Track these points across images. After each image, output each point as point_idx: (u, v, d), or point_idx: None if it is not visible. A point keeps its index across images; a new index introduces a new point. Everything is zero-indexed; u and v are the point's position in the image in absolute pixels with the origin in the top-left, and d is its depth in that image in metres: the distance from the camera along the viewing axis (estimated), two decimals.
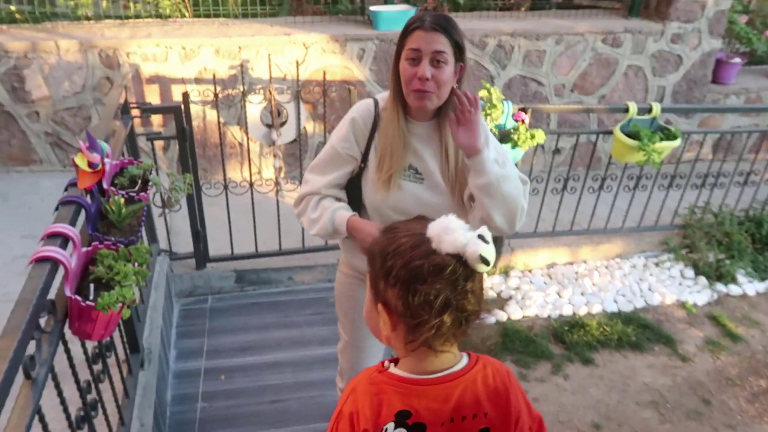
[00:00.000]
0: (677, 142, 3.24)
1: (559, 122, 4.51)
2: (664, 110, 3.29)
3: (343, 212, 1.60)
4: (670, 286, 3.55)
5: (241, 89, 3.08)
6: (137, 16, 4.10)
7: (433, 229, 0.92)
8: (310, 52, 3.87)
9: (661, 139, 3.20)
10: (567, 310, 3.31)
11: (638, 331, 3.17)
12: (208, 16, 4.19)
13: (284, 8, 4.53)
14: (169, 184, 2.08)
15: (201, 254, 3.16)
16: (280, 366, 2.75)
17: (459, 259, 0.90)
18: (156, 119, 3.88)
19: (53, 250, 1.33)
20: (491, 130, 2.71)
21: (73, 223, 1.49)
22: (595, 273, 3.62)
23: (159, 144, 3.89)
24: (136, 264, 1.55)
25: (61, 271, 1.36)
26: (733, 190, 3.87)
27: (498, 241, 3.68)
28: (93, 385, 1.58)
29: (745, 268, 3.67)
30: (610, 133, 3.36)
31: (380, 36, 3.94)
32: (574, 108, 3.81)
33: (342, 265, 1.88)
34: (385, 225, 1.43)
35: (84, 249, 1.49)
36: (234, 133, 4.02)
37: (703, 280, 3.60)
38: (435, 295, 0.89)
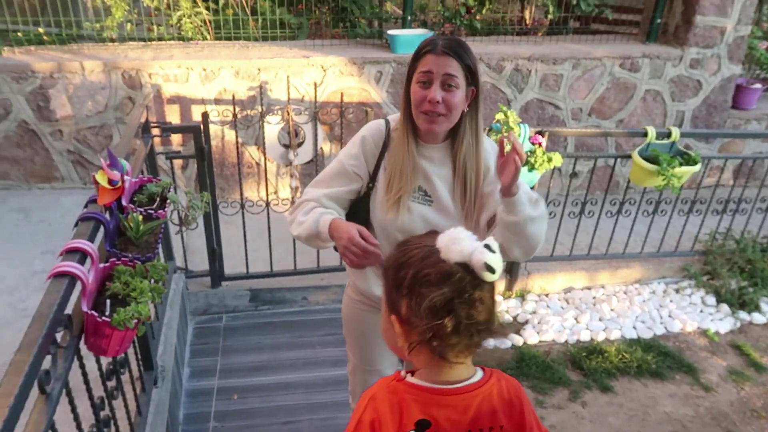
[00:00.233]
0: (697, 167, 3.20)
1: (577, 146, 4.49)
2: (683, 135, 3.26)
3: (330, 216, 1.55)
4: (691, 313, 3.47)
5: (260, 110, 3.12)
6: (160, 39, 4.19)
7: (442, 240, 0.95)
8: (328, 74, 3.92)
9: (681, 164, 3.17)
10: (585, 336, 3.25)
11: (659, 358, 3.10)
12: (229, 38, 4.27)
13: (303, 32, 4.61)
14: (187, 202, 2.10)
15: (216, 272, 3.17)
16: (293, 387, 2.73)
17: (466, 267, 0.92)
18: (176, 138, 3.94)
19: (71, 266, 1.34)
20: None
21: (92, 239, 1.50)
22: (613, 298, 3.55)
23: (178, 163, 3.94)
24: (152, 281, 1.55)
25: (78, 287, 1.37)
26: (755, 216, 3.80)
27: (514, 265, 3.65)
28: (106, 402, 1.57)
29: None
30: (628, 157, 3.33)
31: (397, 59, 3.98)
32: (592, 132, 3.80)
33: (348, 288, 1.87)
34: (392, 239, 1.42)
35: (102, 265, 1.50)
36: (251, 153, 4.06)
37: (725, 307, 3.52)
38: (441, 299, 0.91)
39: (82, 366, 1.44)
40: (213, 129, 3.72)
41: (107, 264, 1.53)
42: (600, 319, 3.38)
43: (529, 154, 2.89)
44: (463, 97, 1.47)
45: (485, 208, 1.56)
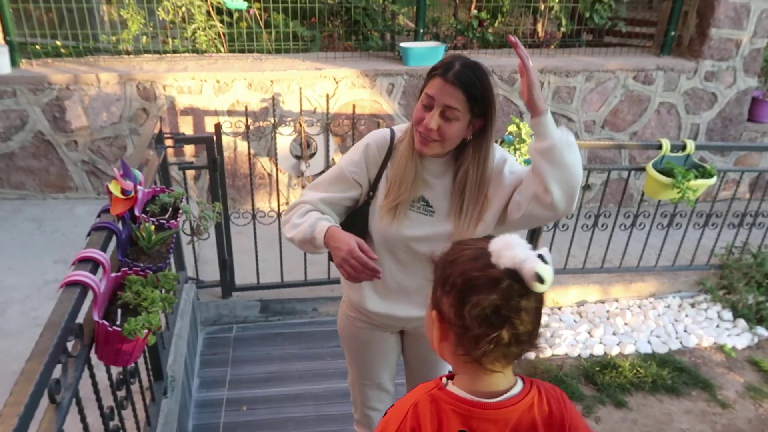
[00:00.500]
0: (712, 180, 3.16)
1: (590, 158, 4.46)
2: (698, 147, 3.23)
3: (327, 222, 1.52)
4: (707, 328, 3.41)
5: (272, 121, 3.14)
6: (175, 51, 4.24)
7: (495, 244, 0.93)
8: (340, 86, 3.94)
9: (696, 177, 3.13)
10: (598, 350, 3.20)
11: (674, 374, 3.04)
12: (242, 51, 4.32)
13: (316, 44, 4.65)
14: (199, 212, 2.11)
15: (227, 283, 3.17)
16: (303, 398, 2.71)
17: (515, 275, 0.90)
18: (188, 149, 3.97)
19: (83, 275, 1.34)
20: (521, 164, 2.69)
21: (104, 248, 1.51)
22: (627, 312, 3.50)
23: (190, 173, 3.97)
24: (164, 290, 1.55)
25: (90, 296, 1.37)
26: None
27: None
28: (116, 412, 1.57)
29: None
30: (642, 169, 3.30)
31: (410, 71, 4.00)
32: (605, 144, 3.77)
33: (343, 304, 1.85)
34: (391, 250, 1.37)
35: (113, 274, 1.50)
36: (263, 164, 4.08)
37: (742, 322, 3.46)
38: (487, 307, 0.90)
39: (92, 375, 1.44)
40: (225, 140, 3.74)
41: (119, 273, 1.53)
42: (614, 333, 3.33)
43: None
44: (463, 129, 1.43)
45: (481, 220, 1.52)
